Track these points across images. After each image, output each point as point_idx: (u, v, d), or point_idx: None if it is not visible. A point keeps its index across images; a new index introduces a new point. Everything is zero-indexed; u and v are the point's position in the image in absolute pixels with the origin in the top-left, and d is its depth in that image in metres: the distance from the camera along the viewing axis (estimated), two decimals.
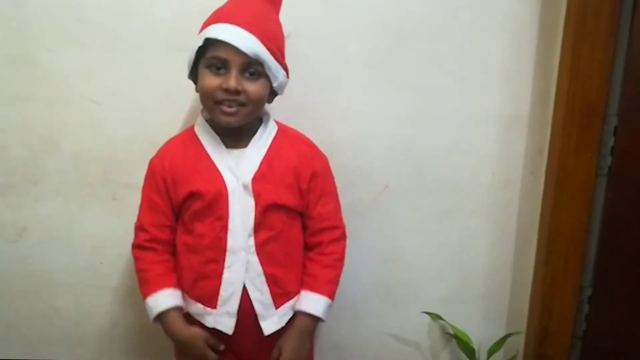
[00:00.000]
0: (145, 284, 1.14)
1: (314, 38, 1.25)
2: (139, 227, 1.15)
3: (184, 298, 1.15)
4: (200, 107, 1.14)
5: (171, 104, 1.30)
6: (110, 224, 1.38)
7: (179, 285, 1.15)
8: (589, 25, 1.16)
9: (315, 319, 1.14)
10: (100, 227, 1.38)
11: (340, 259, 1.19)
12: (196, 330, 1.12)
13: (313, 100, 1.29)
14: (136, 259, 1.16)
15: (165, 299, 1.12)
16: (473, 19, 1.25)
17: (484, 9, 1.24)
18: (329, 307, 1.16)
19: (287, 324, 1.15)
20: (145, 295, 1.14)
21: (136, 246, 1.16)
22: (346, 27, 1.26)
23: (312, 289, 1.14)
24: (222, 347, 1.13)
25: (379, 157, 1.33)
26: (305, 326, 1.14)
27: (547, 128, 1.29)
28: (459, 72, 1.28)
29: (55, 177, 1.35)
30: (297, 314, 1.14)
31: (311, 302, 1.14)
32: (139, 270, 1.16)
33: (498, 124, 1.31)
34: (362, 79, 1.29)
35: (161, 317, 1.12)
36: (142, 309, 1.42)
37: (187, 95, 1.29)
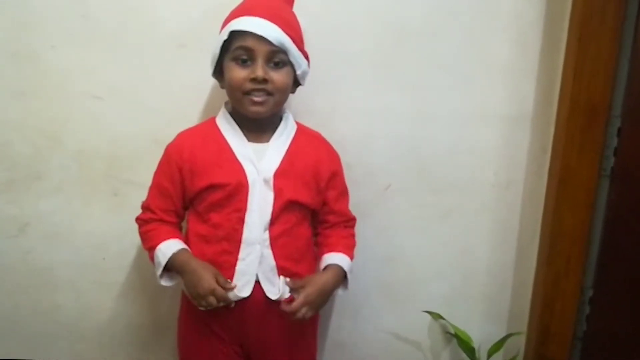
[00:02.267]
0: (154, 238, 1.14)
1: (317, 38, 1.24)
2: (146, 207, 1.17)
3: None
4: (225, 99, 1.15)
5: (174, 101, 1.30)
6: (112, 220, 1.38)
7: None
8: (594, 25, 1.15)
9: (339, 276, 1.16)
10: (102, 224, 1.38)
11: (354, 235, 1.26)
12: (208, 270, 1.08)
13: (316, 99, 1.29)
14: (141, 225, 1.18)
15: (176, 244, 1.12)
16: (477, 18, 1.25)
17: (488, 8, 1.24)
18: (350, 271, 1.18)
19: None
20: (153, 246, 1.13)
21: (141, 219, 1.18)
22: (349, 27, 1.26)
23: (334, 250, 1.19)
24: (232, 285, 1.08)
25: (382, 156, 1.33)
26: (331, 276, 1.15)
27: (551, 128, 1.28)
28: (462, 71, 1.28)
29: (57, 173, 1.35)
30: (324, 269, 1.16)
31: (336, 258, 1.17)
32: (145, 232, 1.16)
33: (501, 123, 1.31)
34: (365, 78, 1.29)
35: (173, 259, 1.10)
36: (144, 305, 1.44)
37: (189, 92, 1.30)
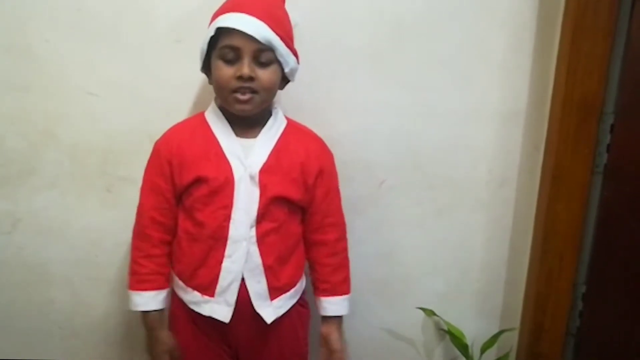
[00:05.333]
0: (134, 277, 1.15)
1: (313, 32, 1.25)
2: (140, 212, 1.16)
3: (180, 287, 1.16)
4: (214, 94, 1.15)
5: (169, 96, 1.30)
6: (106, 216, 1.37)
7: (168, 282, 1.17)
8: (588, 22, 1.16)
9: (341, 320, 1.23)
10: (96, 220, 1.38)
11: (347, 256, 1.25)
12: (167, 338, 1.16)
13: (312, 94, 1.29)
14: (132, 247, 1.17)
15: (149, 301, 1.14)
16: (472, 15, 1.25)
17: (483, 5, 1.25)
18: (349, 301, 1.23)
19: (284, 315, 1.17)
20: (131, 286, 1.15)
21: (135, 233, 1.17)
22: (346, 22, 1.26)
23: (332, 294, 1.21)
24: None
25: (378, 152, 1.33)
26: (336, 326, 1.22)
27: (544, 125, 1.29)
28: (457, 67, 1.28)
29: (51, 168, 1.35)
30: (324, 318, 1.22)
31: (334, 305, 1.21)
32: (132, 260, 1.16)
33: (496, 120, 1.31)
34: (361, 74, 1.29)
35: (142, 313, 1.16)
36: None
37: (185, 88, 1.29)
